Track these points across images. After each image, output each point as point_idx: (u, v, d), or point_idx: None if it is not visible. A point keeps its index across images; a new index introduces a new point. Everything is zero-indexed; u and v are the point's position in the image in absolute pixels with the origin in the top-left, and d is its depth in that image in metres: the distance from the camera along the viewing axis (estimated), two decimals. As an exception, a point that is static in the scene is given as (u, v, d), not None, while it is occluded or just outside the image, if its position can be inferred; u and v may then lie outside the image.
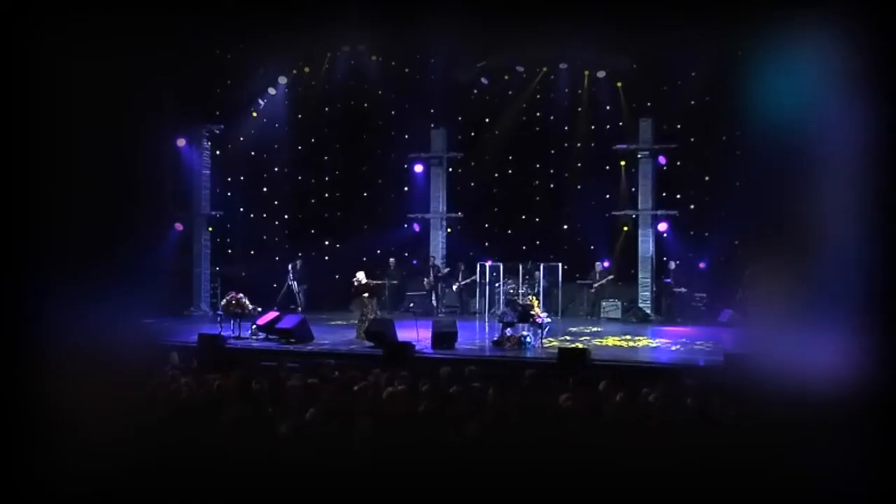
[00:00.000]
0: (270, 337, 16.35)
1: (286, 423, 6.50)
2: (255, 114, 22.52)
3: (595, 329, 18.69)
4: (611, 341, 16.51)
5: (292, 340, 15.83)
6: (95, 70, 6.70)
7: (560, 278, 21.76)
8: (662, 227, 21.33)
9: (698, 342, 16.06)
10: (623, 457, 5.80)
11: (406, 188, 24.08)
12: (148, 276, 8.02)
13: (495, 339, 15.74)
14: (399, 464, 5.61)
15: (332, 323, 19.37)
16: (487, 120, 23.37)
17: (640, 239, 21.65)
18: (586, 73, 22.05)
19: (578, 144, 22.63)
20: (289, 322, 16.30)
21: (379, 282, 19.87)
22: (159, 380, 8.83)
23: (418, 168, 23.48)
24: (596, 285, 21.34)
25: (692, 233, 21.43)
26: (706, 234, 21.10)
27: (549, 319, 16.20)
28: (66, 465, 5.41)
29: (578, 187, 22.67)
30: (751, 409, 6.65)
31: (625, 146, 21.67)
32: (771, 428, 6.05)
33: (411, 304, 21.69)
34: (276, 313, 17.03)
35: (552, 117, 22.71)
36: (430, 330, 15.59)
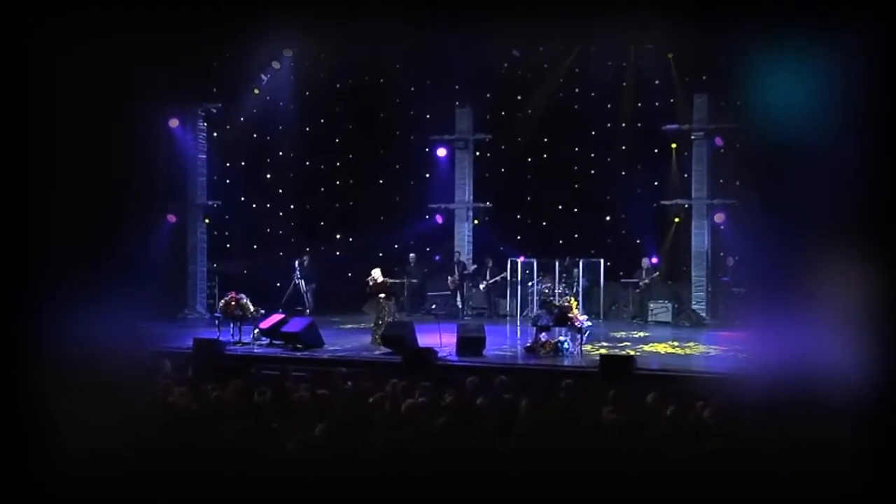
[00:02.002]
0: (275, 342, 16.43)
1: (292, 439, 6.52)
2: (256, 91, 22.55)
3: (642, 334, 18.63)
4: (660, 348, 16.46)
5: (299, 346, 15.90)
6: (74, 44, 6.75)
7: (602, 276, 21.70)
8: (719, 218, 21.16)
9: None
10: (674, 479, 5.77)
11: (427, 175, 24.09)
12: (137, 275, 8.06)
13: (528, 344, 15.73)
14: (418, 484, 5.61)
15: (345, 327, 19.43)
16: (519, 97, 23.31)
17: (693, 232, 21.54)
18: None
19: (623, 124, 22.50)
20: (295, 325, 16.36)
21: (397, 280, 19.90)
22: (150, 390, 8.88)
23: (441, 152, 23.48)
24: (642, 284, 21.25)
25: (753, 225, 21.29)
26: (770, 227, 20.91)
27: (589, 323, 16.17)
28: (44, 480, 5.47)
29: (623, 173, 22.57)
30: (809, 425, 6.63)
31: (676, 126, 21.54)
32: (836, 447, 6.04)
33: (433, 306, 21.74)
34: (282, 316, 17.10)
35: (593, 94, 22.61)
36: (455, 335, 15.60)
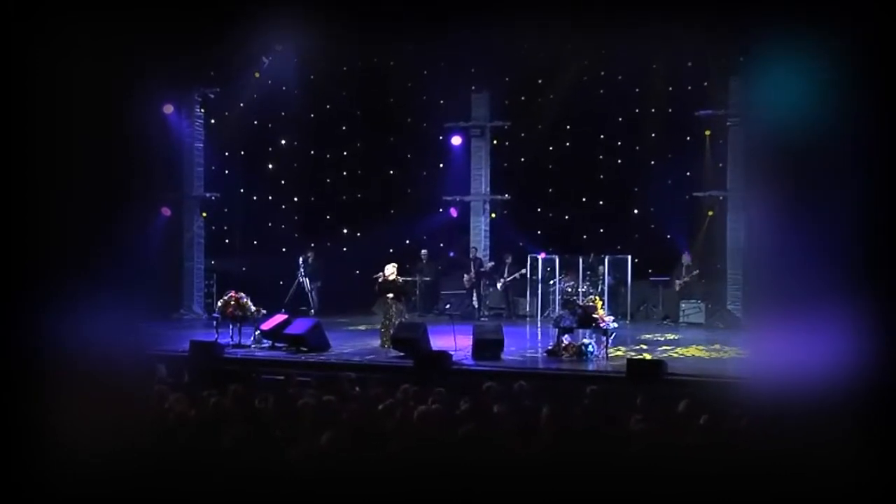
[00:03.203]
0: (277, 345, 16.47)
1: (296, 448, 6.53)
2: (257, 74, 22.55)
3: (673, 336, 18.59)
4: (692, 351, 16.41)
5: (304, 349, 15.93)
6: (60, 25, 6.76)
7: (629, 274, 21.65)
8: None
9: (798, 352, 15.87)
10: (708, 494, 5.76)
11: (441, 165, 24.08)
12: (129, 272, 8.08)
13: (550, 347, 15.72)
14: (430, 498, 5.62)
15: (352, 328, 19.46)
16: (540, 81, 23.24)
17: (728, 226, 21.45)
18: (663, 21, 21.86)
19: (653, 110, 22.46)
20: (299, 327, 16.39)
21: (409, 279, 19.90)
22: (145, 396, 8.91)
23: (456, 140, 23.47)
24: (680, 283, 21.13)
25: (793, 219, 21.15)
26: (811, 222, 20.81)
27: (615, 324, 16.13)
28: (34, 488, 5.51)
29: (652, 163, 22.52)
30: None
31: (710, 111, 21.44)
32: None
33: (447, 306, 21.75)
34: (285, 316, 17.12)
35: (620, 76, 22.53)
36: (471, 337, 15.59)
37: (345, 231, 24.54)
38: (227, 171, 22.95)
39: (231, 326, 16.93)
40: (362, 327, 19.47)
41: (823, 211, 9.33)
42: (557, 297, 21.14)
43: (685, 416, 8.44)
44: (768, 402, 8.90)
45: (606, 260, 21.55)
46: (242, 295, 16.99)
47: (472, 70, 22.98)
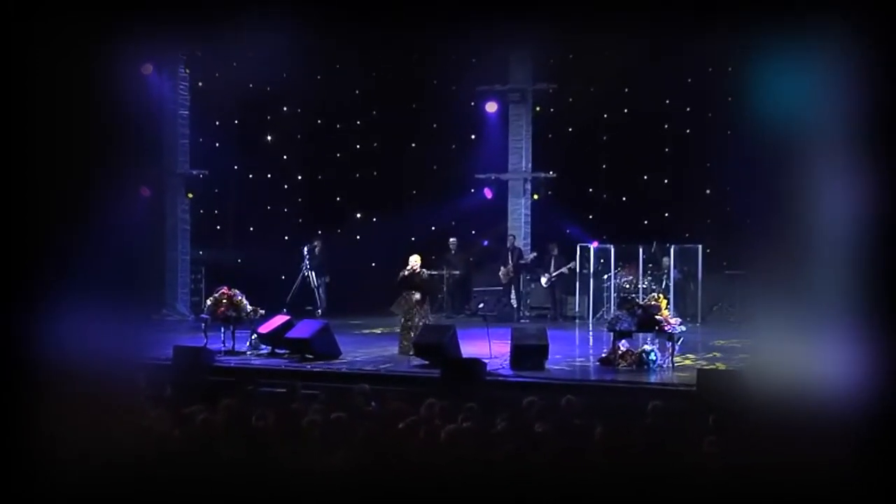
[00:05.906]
0: (278, 351, 16.51)
1: (301, 473, 6.55)
2: (254, 29, 22.56)
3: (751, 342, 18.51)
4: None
5: (309, 356, 15.97)
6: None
7: (700, 267, 21.55)
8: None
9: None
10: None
11: (473, 136, 24.05)
12: (100, 265, 8.12)
13: (604, 355, 15.70)
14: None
15: (367, 331, 19.51)
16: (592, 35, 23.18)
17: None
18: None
19: (729, 68, 22.30)
20: (304, 330, 16.43)
21: (434, 272, 19.89)
22: (118, 414, 8.95)
23: (491, 107, 23.43)
24: (760, 277, 21.08)
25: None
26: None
27: (682, 328, 16.10)
28: None
29: (728, 133, 22.38)
30: None
31: (797, 71, 21.31)
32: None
33: (481, 305, 21.71)
34: (287, 318, 17.16)
35: (688, 29, 22.44)
36: (509, 342, 15.59)
37: (358, 216, 24.59)
38: (217, 144, 23.00)
39: (223, 329, 16.99)
40: (379, 330, 19.52)
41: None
42: (613, 295, 21.10)
43: (767, 438, 8.41)
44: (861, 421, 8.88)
45: (672, 250, 21.46)
46: (236, 292, 17.05)
47: (511, 24, 22.89)
